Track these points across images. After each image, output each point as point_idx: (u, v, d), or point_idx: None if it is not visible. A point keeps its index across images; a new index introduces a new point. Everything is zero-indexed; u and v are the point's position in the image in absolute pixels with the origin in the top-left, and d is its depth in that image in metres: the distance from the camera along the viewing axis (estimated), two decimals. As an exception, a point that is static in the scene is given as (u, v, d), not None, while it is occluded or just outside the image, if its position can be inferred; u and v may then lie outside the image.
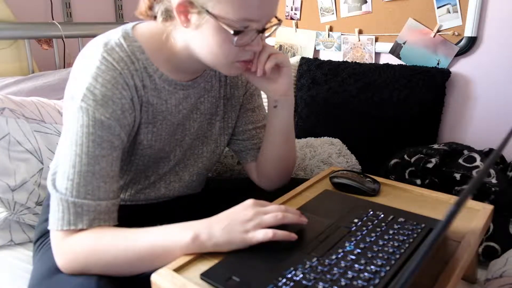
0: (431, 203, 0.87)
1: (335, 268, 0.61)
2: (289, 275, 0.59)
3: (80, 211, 0.69)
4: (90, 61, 0.72)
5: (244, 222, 0.66)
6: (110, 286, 0.66)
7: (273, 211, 0.68)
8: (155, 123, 0.81)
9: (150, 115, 0.80)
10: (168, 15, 0.73)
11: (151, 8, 0.75)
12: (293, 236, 0.67)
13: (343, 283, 0.57)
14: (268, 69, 0.79)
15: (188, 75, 0.83)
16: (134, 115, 0.77)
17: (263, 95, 1.00)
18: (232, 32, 0.68)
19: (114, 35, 0.75)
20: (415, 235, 0.70)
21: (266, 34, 0.75)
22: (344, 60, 1.71)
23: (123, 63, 0.73)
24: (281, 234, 0.65)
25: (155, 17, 0.76)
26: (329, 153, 1.32)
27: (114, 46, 0.73)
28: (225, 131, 0.95)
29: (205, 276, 0.61)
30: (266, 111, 0.96)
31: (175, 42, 0.76)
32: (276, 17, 0.76)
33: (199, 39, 0.72)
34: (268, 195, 0.91)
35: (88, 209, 0.70)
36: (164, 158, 0.87)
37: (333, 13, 1.71)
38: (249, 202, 0.70)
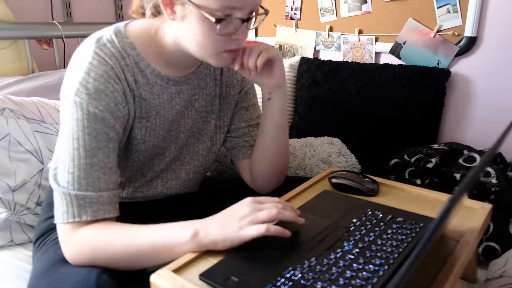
0: (430, 203, 0.87)
1: (334, 268, 0.61)
2: (288, 275, 0.59)
3: (83, 203, 0.71)
4: (82, 57, 0.74)
5: (239, 219, 0.66)
6: (111, 283, 0.66)
7: (269, 207, 0.68)
8: (149, 118, 0.82)
9: (143, 110, 0.81)
10: (156, 10, 0.75)
11: (142, 6, 0.77)
12: (287, 233, 0.66)
13: (341, 282, 0.57)
14: (260, 65, 0.81)
15: (180, 71, 0.84)
16: (128, 108, 0.78)
17: (258, 93, 1.00)
18: (214, 20, 0.69)
19: (106, 32, 0.77)
20: (413, 234, 0.70)
21: (252, 24, 0.76)
22: (344, 60, 1.70)
23: (114, 58, 0.75)
24: (274, 229, 0.65)
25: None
26: (328, 153, 1.32)
27: (106, 42, 0.75)
28: (220, 129, 0.96)
29: (204, 276, 0.61)
30: (261, 111, 0.97)
31: (164, 37, 0.78)
32: (262, 7, 0.77)
33: (185, 31, 0.73)
34: (266, 195, 0.91)
35: (90, 201, 0.71)
36: (159, 155, 0.88)
37: (333, 13, 1.71)
38: (247, 199, 0.70)
